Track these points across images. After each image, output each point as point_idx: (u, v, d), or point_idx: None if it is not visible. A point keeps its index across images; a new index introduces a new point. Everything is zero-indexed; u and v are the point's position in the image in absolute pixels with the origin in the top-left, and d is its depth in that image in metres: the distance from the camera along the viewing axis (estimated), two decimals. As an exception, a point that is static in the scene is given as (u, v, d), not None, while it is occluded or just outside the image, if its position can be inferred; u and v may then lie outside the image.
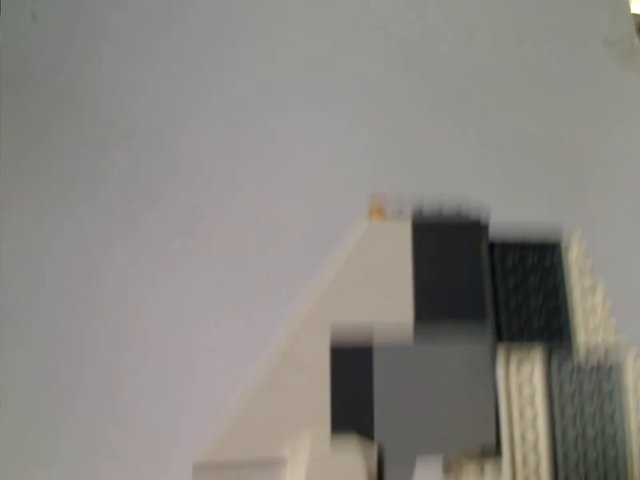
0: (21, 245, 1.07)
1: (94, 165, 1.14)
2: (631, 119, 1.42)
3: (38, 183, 1.11)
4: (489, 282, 0.55)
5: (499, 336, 0.55)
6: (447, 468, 0.62)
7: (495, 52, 1.39)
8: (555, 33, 1.42)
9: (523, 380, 0.52)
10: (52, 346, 1.02)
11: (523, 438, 0.53)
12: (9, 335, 1.01)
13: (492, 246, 0.56)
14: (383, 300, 0.54)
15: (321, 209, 1.12)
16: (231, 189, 1.17)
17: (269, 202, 1.17)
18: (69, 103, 1.17)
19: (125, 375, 1.03)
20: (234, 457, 0.53)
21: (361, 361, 0.54)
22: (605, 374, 0.54)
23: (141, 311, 1.06)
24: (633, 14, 1.44)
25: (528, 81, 1.40)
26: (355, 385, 0.54)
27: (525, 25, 1.42)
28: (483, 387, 0.55)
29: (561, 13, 1.42)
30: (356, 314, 0.54)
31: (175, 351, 1.04)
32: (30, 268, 1.06)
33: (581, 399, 0.54)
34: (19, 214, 1.08)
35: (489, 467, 0.62)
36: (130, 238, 1.10)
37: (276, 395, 0.53)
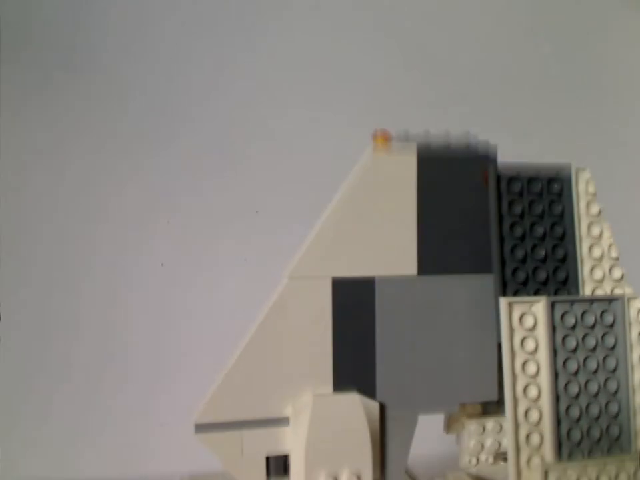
0: (27, 185, 1.07)
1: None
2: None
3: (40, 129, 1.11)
4: (495, 216, 0.54)
5: (504, 288, 0.54)
6: (449, 426, 0.62)
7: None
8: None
9: (526, 334, 0.52)
10: (52, 282, 1.03)
11: (526, 392, 0.52)
12: (9, 275, 1.01)
13: (499, 178, 0.55)
14: (385, 248, 0.54)
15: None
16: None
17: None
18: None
19: (123, 321, 1.03)
20: (236, 416, 0.52)
21: (363, 308, 0.54)
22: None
23: (141, 255, 1.06)
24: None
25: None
26: (356, 340, 0.54)
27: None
28: (485, 340, 0.55)
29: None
30: (357, 263, 0.54)
31: (173, 299, 1.04)
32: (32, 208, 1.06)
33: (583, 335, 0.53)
34: (23, 156, 1.08)
35: (489, 425, 0.62)
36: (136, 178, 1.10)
37: (278, 353, 0.53)
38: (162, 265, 1.08)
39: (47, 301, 1.05)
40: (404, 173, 0.55)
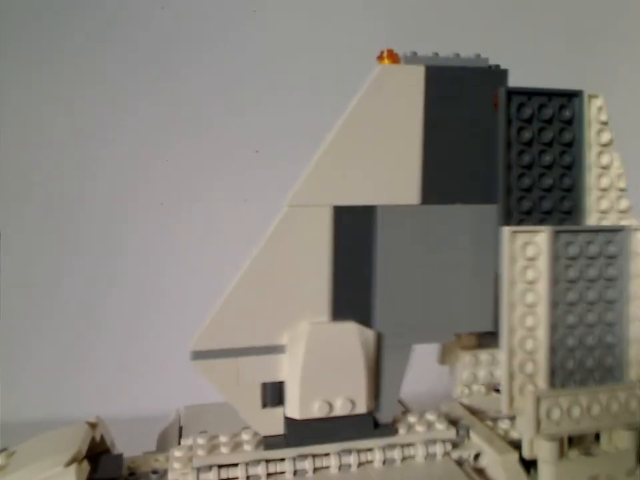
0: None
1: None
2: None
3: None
4: (504, 142, 0.52)
5: (508, 217, 0.53)
6: (443, 358, 0.63)
7: None
8: None
9: (527, 263, 0.52)
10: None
11: (522, 321, 0.52)
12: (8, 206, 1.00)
13: (509, 101, 0.53)
14: (387, 175, 0.52)
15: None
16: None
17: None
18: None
19: (124, 260, 1.03)
20: (233, 343, 0.52)
21: (363, 238, 0.53)
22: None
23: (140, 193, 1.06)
24: None
25: None
26: (355, 269, 0.53)
27: None
28: (483, 271, 0.55)
29: None
30: (358, 191, 0.52)
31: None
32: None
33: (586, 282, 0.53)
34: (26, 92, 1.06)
35: (483, 357, 0.63)
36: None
37: (275, 281, 0.52)
38: (161, 204, 1.07)
39: (45, 240, 1.03)
40: (411, 84, 0.52)
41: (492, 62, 0.52)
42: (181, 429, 0.60)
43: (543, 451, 0.53)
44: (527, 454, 0.54)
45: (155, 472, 0.52)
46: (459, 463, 0.54)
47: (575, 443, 0.56)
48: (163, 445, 0.56)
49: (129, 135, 1.06)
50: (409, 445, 0.54)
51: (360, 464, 0.53)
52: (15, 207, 1.02)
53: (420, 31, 1.18)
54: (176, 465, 0.51)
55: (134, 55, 1.09)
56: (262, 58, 1.13)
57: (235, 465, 0.51)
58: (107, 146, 1.05)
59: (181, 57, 1.12)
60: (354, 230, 0.52)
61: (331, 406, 0.52)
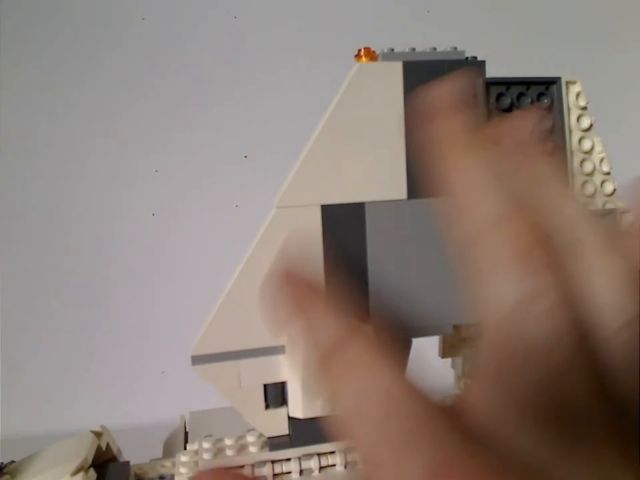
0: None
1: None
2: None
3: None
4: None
5: None
6: (444, 351, 0.63)
7: None
8: None
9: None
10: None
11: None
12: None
13: (488, 93, 0.53)
14: (373, 172, 0.53)
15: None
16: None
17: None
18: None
19: (117, 274, 1.03)
20: (232, 346, 0.52)
21: (354, 235, 0.53)
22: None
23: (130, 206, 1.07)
24: None
25: None
26: (347, 266, 0.53)
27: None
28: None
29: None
30: (345, 189, 0.53)
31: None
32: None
33: None
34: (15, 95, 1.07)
35: (486, 349, 0.62)
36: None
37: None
38: (153, 215, 1.07)
39: (35, 258, 1.04)
40: (390, 80, 0.52)
41: (469, 54, 0.53)
42: (186, 434, 0.60)
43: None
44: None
45: (161, 477, 0.52)
46: (465, 455, 0.54)
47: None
48: (169, 451, 0.56)
49: (116, 147, 1.07)
50: (413, 439, 0.54)
51: (365, 460, 0.53)
52: (7, 219, 1.03)
53: (398, 28, 1.19)
54: (182, 470, 0.51)
55: (120, 65, 1.10)
56: (248, 64, 1.13)
57: (241, 467, 0.51)
58: (94, 159, 1.06)
59: (166, 64, 1.13)
60: (344, 228, 0.52)
61: (333, 404, 0.52)
